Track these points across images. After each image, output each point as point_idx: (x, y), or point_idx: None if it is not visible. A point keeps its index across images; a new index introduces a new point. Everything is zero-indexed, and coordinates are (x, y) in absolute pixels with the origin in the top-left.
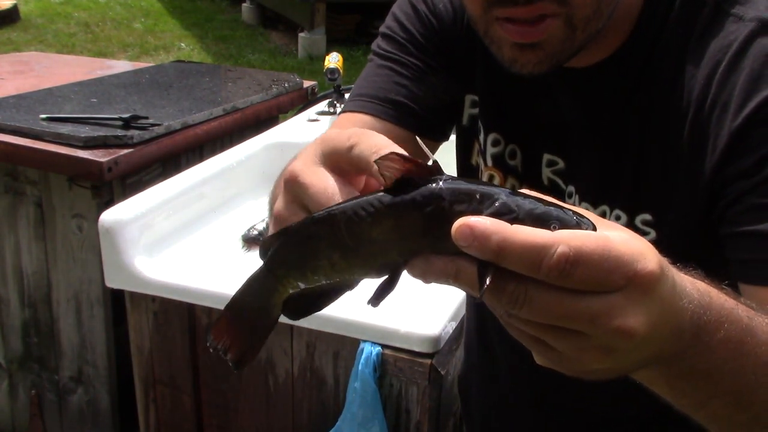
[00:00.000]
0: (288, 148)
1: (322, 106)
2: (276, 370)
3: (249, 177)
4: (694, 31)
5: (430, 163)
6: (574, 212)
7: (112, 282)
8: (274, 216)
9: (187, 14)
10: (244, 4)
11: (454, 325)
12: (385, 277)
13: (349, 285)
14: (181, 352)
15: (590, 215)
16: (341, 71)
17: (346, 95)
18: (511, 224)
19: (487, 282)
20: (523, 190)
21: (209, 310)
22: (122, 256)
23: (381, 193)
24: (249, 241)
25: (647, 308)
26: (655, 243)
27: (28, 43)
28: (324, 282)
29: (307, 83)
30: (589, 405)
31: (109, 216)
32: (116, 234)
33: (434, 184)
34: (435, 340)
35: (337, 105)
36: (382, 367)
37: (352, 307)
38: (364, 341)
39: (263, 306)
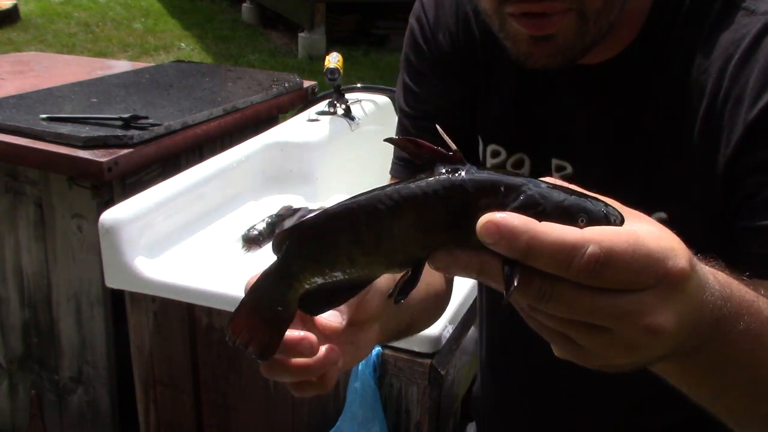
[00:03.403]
0: (288, 148)
1: (322, 106)
2: None
3: (249, 177)
4: (705, 25)
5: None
6: (603, 203)
7: (112, 282)
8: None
9: (187, 14)
10: (244, 4)
11: (454, 325)
12: (407, 271)
13: (369, 280)
14: (181, 352)
15: (616, 205)
16: (341, 71)
17: (346, 95)
18: (539, 219)
19: (515, 283)
20: (547, 179)
21: (209, 310)
22: (122, 256)
23: (401, 185)
24: (249, 241)
25: (677, 306)
26: None
27: (28, 43)
28: (342, 277)
29: (307, 83)
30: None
31: (109, 216)
32: (116, 234)
33: (457, 175)
34: (435, 340)
35: (337, 105)
36: (382, 367)
37: None
38: None
39: (279, 301)
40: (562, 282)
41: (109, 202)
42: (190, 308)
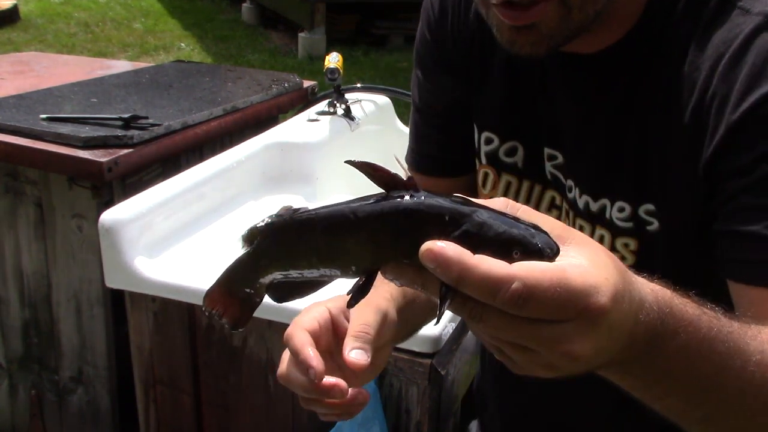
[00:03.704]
0: (288, 148)
1: (322, 106)
2: (276, 370)
3: (249, 177)
4: (700, 22)
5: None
6: (544, 234)
7: (112, 282)
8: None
9: (187, 14)
10: (244, 4)
11: (454, 325)
12: (361, 278)
13: (329, 281)
14: (181, 352)
15: (561, 230)
16: (341, 71)
17: (346, 95)
18: (475, 250)
19: (447, 304)
20: (499, 204)
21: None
22: (122, 256)
23: (358, 205)
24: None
25: (594, 336)
26: (659, 233)
27: (28, 43)
28: (304, 276)
29: (307, 83)
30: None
31: (109, 216)
32: (116, 234)
33: (408, 200)
34: (435, 340)
35: (337, 105)
36: (385, 370)
37: None
38: None
39: (250, 285)
40: (492, 308)
41: (109, 202)
42: (190, 308)
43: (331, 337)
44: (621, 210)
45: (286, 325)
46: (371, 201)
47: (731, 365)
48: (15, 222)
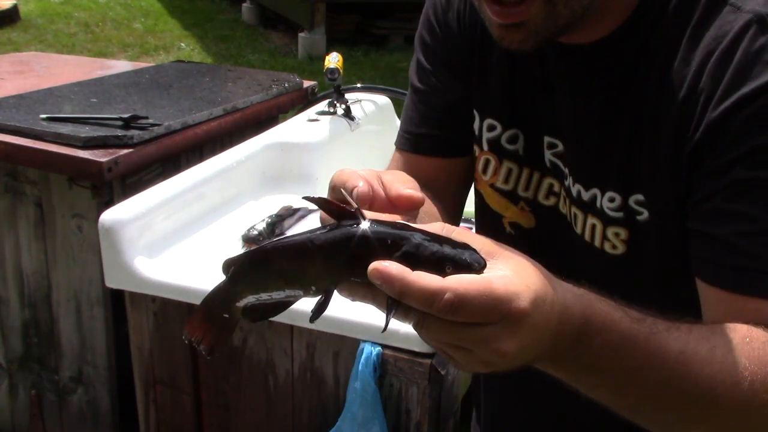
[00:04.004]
0: (288, 148)
1: (322, 106)
2: (276, 370)
3: (249, 177)
4: (692, 18)
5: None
6: (471, 251)
7: (112, 282)
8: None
9: (187, 14)
10: (244, 4)
11: None
12: (322, 296)
13: (295, 300)
14: (181, 352)
15: (490, 247)
16: (341, 71)
17: (346, 95)
18: (414, 268)
19: (392, 314)
20: (437, 229)
21: None
22: (122, 256)
23: (315, 234)
24: (249, 241)
25: (519, 335)
26: (649, 223)
27: (28, 43)
28: (274, 298)
29: (307, 83)
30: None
31: (109, 216)
32: (116, 234)
33: (356, 228)
34: None
35: (337, 105)
36: (382, 367)
37: (352, 308)
38: (365, 341)
39: (226, 310)
40: (431, 315)
41: (109, 202)
42: (190, 308)
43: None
44: (611, 200)
45: (286, 325)
46: (326, 230)
47: (652, 362)
48: (15, 222)
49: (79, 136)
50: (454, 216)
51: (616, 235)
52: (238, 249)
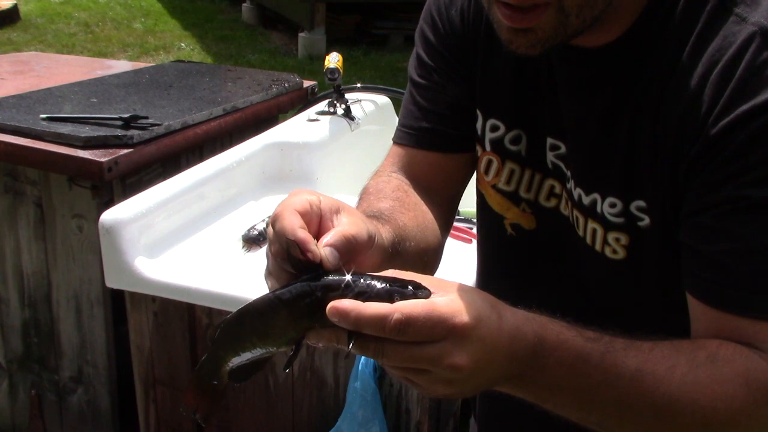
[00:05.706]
0: (288, 148)
1: (322, 106)
2: (276, 370)
3: (249, 177)
4: (696, 27)
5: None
6: (415, 284)
7: (112, 282)
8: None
9: (187, 14)
10: (244, 4)
11: None
12: (292, 347)
13: (271, 356)
14: (181, 352)
15: (437, 283)
16: (341, 71)
17: (346, 95)
18: (365, 302)
19: (351, 345)
20: (387, 273)
21: (209, 310)
22: (122, 256)
23: (279, 291)
24: (249, 241)
25: (467, 349)
26: (650, 229)
27: (28, 43)
28: (253, 356)
29: (307, 83)
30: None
31: (109, 216)
32: (116, 234)
33: (315, 280)
34: None
35: (337, 105)
36: (382, 367)
37: None
38: None
39: (215, 377)
40: (388, 342)
41: (109, 202)
42: (190, 308)
43: (317, 225)
44: (612, 205)
45: None
46: (289, 287)
47: (608, 380)
48: (15, 222)
49: (79, 136)
50: (448, 215)
51: (617, 240)
52: (238, 249)
